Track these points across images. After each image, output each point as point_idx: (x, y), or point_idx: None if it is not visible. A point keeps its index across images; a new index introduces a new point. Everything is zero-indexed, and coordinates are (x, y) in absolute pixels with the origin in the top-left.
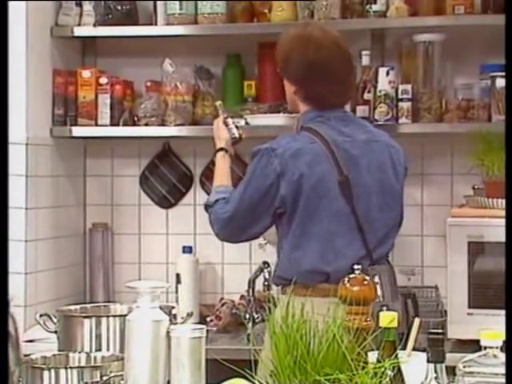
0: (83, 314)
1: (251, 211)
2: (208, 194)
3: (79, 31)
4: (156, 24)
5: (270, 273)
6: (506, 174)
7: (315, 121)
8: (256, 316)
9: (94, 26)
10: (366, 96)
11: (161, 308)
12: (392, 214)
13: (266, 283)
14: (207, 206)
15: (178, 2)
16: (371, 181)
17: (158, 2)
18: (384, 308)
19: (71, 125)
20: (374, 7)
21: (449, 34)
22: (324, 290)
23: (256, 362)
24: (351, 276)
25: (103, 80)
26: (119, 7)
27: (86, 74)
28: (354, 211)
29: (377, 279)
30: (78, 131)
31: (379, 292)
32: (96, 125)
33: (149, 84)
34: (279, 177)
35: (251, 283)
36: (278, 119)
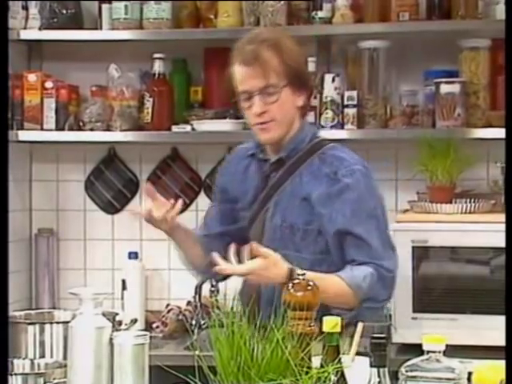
0: (27, 321)
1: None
2: None
3: (25, 34)
4: (101, 28)
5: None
6: (505, 174)
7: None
8: (202, 322)
9: (40, 29)
10: (312, 102)
11: (104, 314)
12: None
13: (213, 289)
14: (363, 278)
15: (123, 7)
16: None
17: (103, 7)
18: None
19: (17, 129)
20: (320, 14)
21: (394, 41)
22: None
23: (201, 368)
24: (295, 281)
25: (49, 84)
26: (64, 11)
27: (31, 77)
28: None
29: None
30: (23, 135)
31: None
32: (42, 129)
33: (94, 89)
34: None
35: (198, 289)
36: (224, 125)
